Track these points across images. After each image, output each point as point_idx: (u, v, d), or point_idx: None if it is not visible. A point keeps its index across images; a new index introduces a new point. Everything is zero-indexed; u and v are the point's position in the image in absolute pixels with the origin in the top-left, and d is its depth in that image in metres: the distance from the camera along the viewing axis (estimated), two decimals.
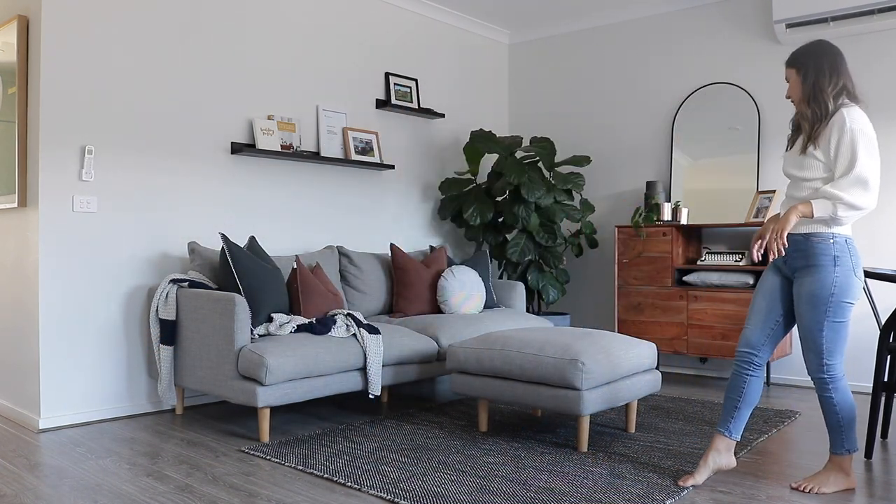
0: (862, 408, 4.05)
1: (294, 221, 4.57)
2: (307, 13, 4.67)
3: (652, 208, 4.97)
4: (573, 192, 5.35)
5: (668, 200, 5.15)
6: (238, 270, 3.59)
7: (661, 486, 2.67)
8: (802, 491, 2.63)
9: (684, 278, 4.76)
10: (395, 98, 5.16)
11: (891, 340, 3.05)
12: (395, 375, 3.78)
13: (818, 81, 2.57)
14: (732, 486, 2.70)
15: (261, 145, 4.28)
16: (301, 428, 3.56)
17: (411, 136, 5.36)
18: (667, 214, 4.91)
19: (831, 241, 2.54)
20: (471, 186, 5.40)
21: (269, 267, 3.74)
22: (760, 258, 2.99)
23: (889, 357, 3.13)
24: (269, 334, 3.50)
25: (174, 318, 3.67)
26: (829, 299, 2.52)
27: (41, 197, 3.51)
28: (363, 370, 3.60)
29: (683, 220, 4.89)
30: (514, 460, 3.01)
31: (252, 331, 3.48)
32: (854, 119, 2.51)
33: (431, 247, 4.96)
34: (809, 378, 2.64)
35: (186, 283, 3.71)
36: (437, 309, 4.52)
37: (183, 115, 4.03)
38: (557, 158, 5.66)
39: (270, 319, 3.59)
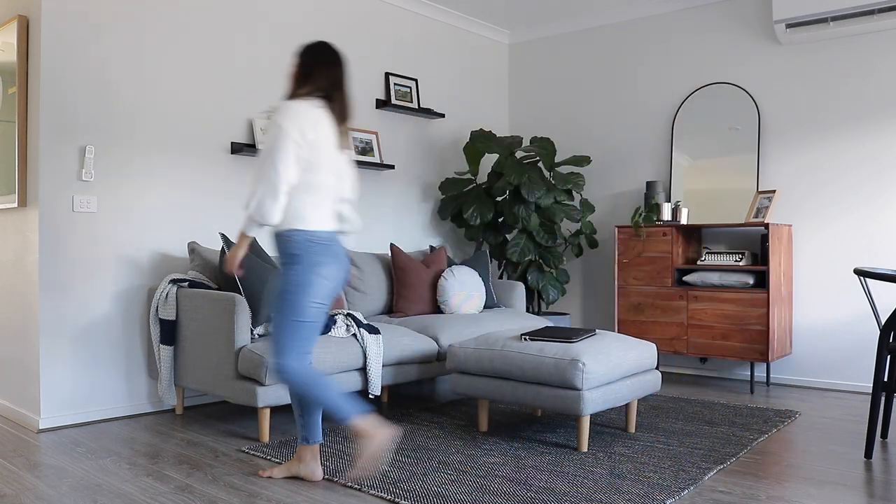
0: (862, 408, 4.07)
1: None
2: (307, 13, 4.67)
3: (652, 208, 4.97)
4: (573, 192, 5.35)
5: (668, 200, 5.15)
6: None
7: (661, 486, 2.67)
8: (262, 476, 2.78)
9: (684, 278, 4.76)
10: (395, 98, 5.16)
11: (891, 340, 3.05)
12: (395, 375, 3.78)
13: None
14: (732, 486, 2.70)
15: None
16: None
17: (411, 136, 5.36)
18: (667, 214, 4.91)
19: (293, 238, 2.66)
20: (471, 186, 5.40)
21: (269, 267, 3.74)
22: None
23: (889, 357, 3.13)
24: (268, 334, 3.50)
25: (174, 318, 3.67)
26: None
27: (41, 197, 3.51)
28: (363, 370, 3.60)
29: (683, 220, 4.88)
30: (514, 460, 3.01)
31: (252, 331, 3.49)
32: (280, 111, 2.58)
33: (431, 247, 4.96)
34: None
35: (186, 283, 3.72)
36: (437, 309, 4.53)
37: (183, 115, 4.03)
38: (557, 158, 5.66)
39: (270, 319, 3.59)
